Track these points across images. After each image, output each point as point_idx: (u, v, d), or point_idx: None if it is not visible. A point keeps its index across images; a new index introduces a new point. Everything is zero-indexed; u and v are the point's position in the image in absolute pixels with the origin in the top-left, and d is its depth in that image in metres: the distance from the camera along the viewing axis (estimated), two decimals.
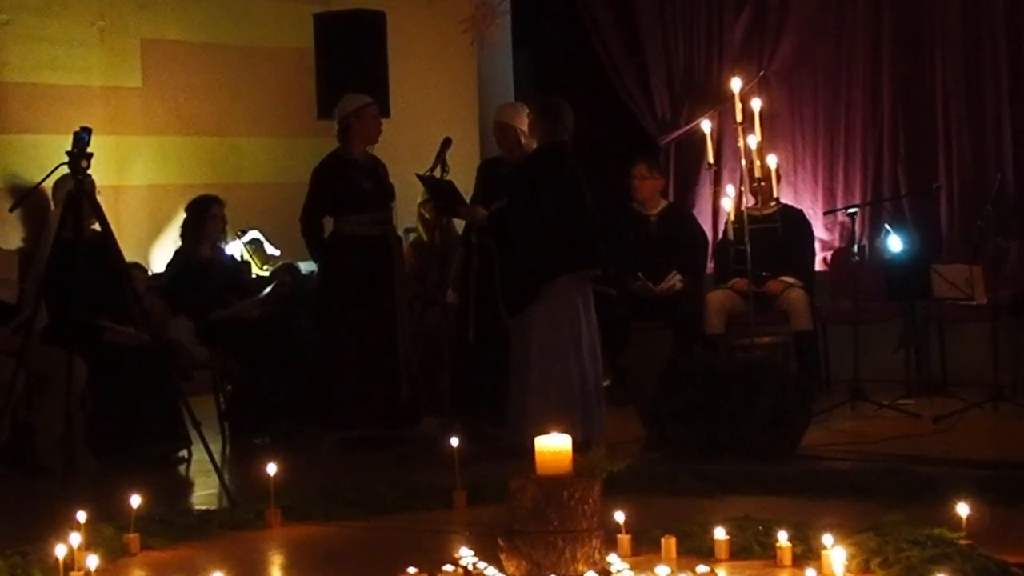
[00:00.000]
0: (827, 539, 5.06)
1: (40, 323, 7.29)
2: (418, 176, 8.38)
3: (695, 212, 10.75)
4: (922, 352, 9.71)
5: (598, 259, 7.97)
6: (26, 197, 7.95)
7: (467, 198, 8.48)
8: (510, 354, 7.86)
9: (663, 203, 10.06)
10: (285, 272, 9.60)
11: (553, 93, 8.39)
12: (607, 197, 9.47)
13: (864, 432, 8.16)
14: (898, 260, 9.31)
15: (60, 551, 5.18)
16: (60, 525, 5.58)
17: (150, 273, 9.50)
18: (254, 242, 10.15)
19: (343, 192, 8.35)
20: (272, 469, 6.23)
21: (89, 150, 6.75)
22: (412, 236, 10.02)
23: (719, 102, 10.67)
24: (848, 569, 4.93)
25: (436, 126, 9.95)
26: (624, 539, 5.42)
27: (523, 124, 8.29)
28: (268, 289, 9.02)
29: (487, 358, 8.15)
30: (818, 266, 10.19)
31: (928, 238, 10.01)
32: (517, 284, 7.81)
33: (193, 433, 7.41)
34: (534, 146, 8.21)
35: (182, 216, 9.02)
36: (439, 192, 8.32)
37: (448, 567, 5.12)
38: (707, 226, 10.60)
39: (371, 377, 8.29)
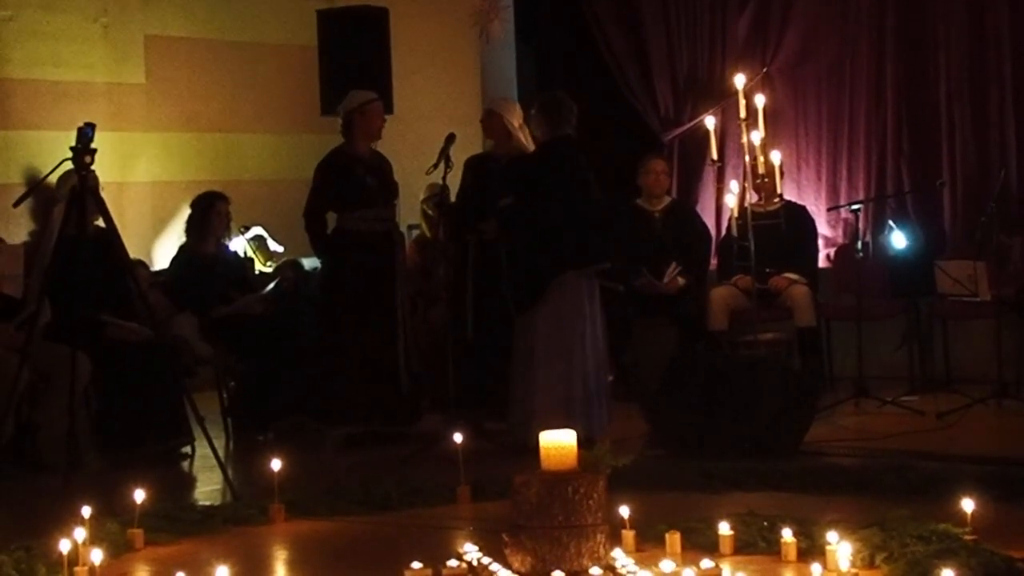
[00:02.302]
0: (832, 535, 5.06)
1: (44, 319, 7.29)
2: (435, 204, 8.46)
3: (698, 209, 10.75)
4: (926, 348, 9.71)
5: (605, 254, 7.95)
6: (30, 192, 7.95)
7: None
8: (513, 350, 7.87)
9: (667, 199, 10.06)
10: (288, 268, 9.60)
11: (556, 89, 8.38)
12: (609, 192, 9.46)
13: (868, 428, 8.16)
14: (902, 256, 9.31)
15: (64, 546, 5.18)
16: (64, 520, 5.58)
17: (153, 269, 9.50)
18: (257, 238, 10.15)
19: (346, 188, 8.34)
20: (276, 465, 6.23)
21: (93, 146, 6.75)
22: (415, 233, 10.02)
23: (723, 98, 10.66)
24: (853, 564, 4.92)
25: (439, 122, 9.96)
26: (628, 534, 5.42)
27: (513, 117, 8.36)
28: (271, 285, 9.02)
29: (487, 354, 8.16)
30: (821, 263, 10.19)
31: (932, 234, 10.00)
32: (524, 281, 7.81)
33: (197, 429, 7.41)
34: (524, 140, 8.25)
35: (186, 212, 9.02)
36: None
37: (452, 562, 5.12)
38: (711, 223, 10.58)
39: (373, 373, 8.28)
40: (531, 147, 8.31)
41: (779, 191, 9.38)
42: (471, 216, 8.31)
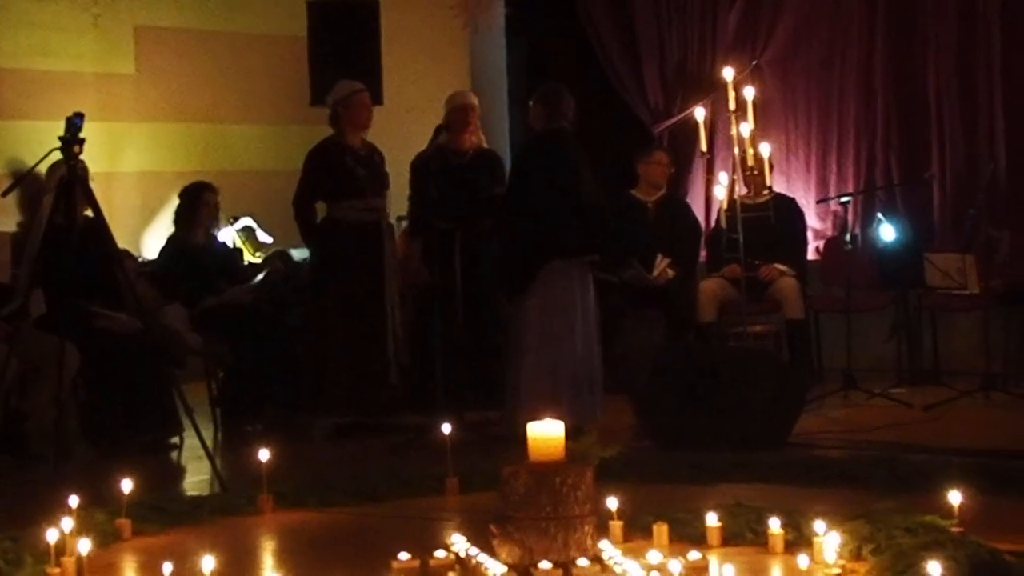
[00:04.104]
0: (819, 526, 5.07)
1: (38, 310, 7.29)
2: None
3: (687, 200, 10.74)
4: (914, 341, 9.71)
5: (595, 246, 7.95)
6: (19, 182, 7.94)
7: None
8: (508, 341, 7.89)
9: (662, 191, 10.04)
10: (277, 259, 9.59)
11: (549, 81, 8.40)
12: (600, 183, 9.46)
13: (856, 420, 8.17)
14: (890, 249, 9.30)
15: (52, 536, 5.18)
16: (52, 510, 5.58)
17: (142, 260, 9.48)
18: (246, 229, 10.14)
19: (336, 178, 8.35)
20: (264, 455, 6.22)
21: (81, 136, 6.74)
22: (405, 224, 10.00)
23: (712, 90, 10.66)
24: (840, 556, 4.94)
25: (429, 114, 9.92)
26: (616, 525, 5.43)
27: None
28: (260, 276, 9.02)
29: (472, 347, 8.19)
30: (810, 255, 10.19)
31: (921, 227, 9.99)
32: (512, 270, 7.83)
33: (185, 420, 7.40)
34: (482, 134, 8.51)
35: (175, 203, 9.02)
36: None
37: (440, 553, 5.12)
38: (700, 214, 10.58)
39: (362, 364, 8.29)
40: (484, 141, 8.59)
41: (768, 183, 9.37)
42: (426, 213, 8.35)
